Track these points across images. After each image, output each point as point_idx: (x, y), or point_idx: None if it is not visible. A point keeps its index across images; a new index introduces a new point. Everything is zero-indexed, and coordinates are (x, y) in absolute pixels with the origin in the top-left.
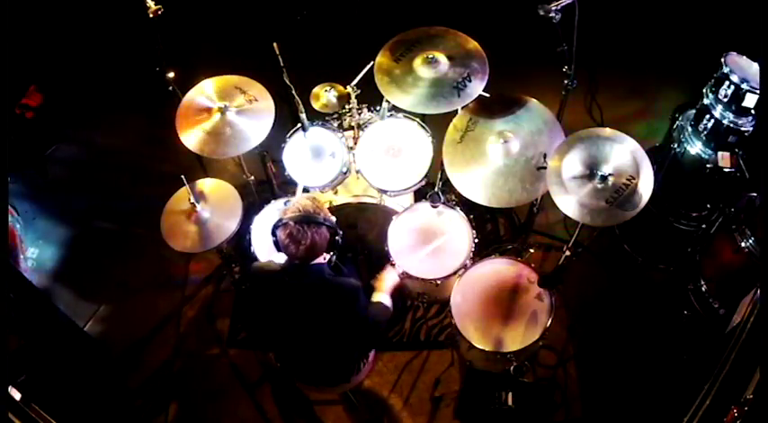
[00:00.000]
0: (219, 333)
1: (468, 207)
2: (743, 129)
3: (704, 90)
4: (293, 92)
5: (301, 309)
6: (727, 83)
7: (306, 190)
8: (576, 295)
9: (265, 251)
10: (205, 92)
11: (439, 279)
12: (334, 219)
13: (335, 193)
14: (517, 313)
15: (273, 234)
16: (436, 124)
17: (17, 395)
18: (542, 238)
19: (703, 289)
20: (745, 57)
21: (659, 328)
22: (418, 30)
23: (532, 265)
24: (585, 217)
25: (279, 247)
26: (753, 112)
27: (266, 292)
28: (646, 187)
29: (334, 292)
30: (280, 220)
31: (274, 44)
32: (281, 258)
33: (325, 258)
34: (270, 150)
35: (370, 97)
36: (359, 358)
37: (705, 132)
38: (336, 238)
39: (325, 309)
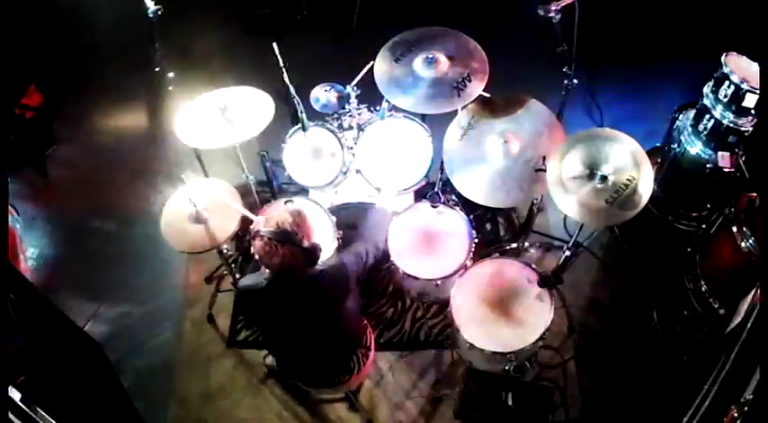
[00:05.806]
0: (219, 333)
1: (468, 207)
2: (743, 129)
3: (704, 90)
4: (293, 92)
5: (298, 305)
6: (727, 83)
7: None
8: (576, 295)
9: None
10: (204, 95)
11: (439, 279)
12: (335, 232)
13: (336, 193)
14: (517, 313)
15: (250, 241)
16: (436, 124)
17: (17, 395)
18: (542, 238)
19: (703, 289)
20: (745, 57)
21: (659, 328)
22: (418, 30)
23: (532, 265)
24: (585, 217)
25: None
26: (753, 112)
27: (262, 306)
28: (646, 187)
29: (325, 277)
30: (257, 230)
31: (274, 44)
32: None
33: None
34: (270, 150)
35: (370, 97)
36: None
37: (705, 132)
38: (318, 253)
39: (322, 295)
